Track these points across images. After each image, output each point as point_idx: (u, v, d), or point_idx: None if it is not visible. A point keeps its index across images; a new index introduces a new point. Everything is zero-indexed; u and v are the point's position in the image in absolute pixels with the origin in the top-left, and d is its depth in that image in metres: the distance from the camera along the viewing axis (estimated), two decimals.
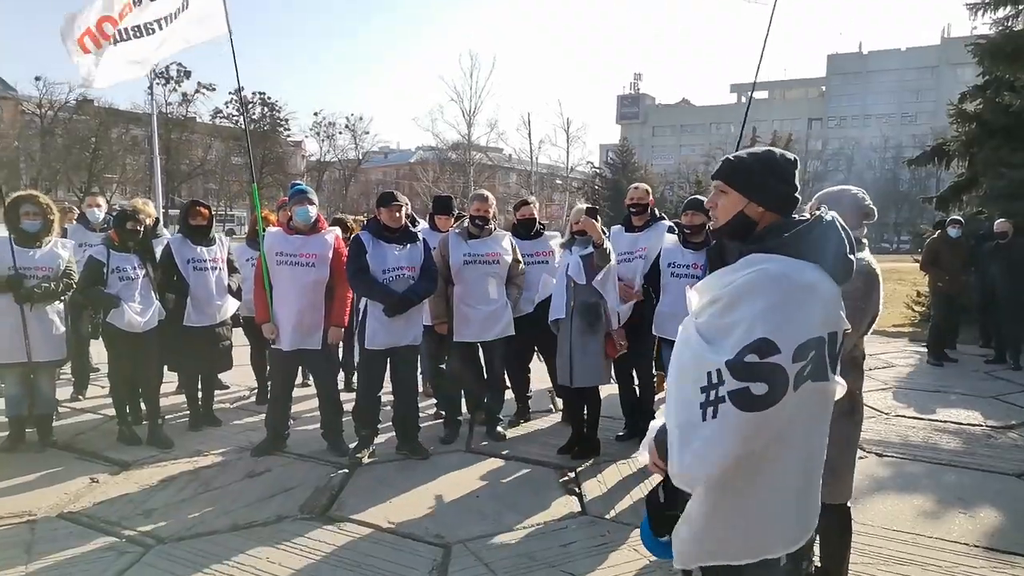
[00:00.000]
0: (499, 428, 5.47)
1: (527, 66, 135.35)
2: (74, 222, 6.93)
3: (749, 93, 5.59)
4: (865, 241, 2.90)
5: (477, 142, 45.34)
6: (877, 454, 5.24)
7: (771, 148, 1.95)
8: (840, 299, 1.81)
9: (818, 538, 2.47)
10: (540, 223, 5.94)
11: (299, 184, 5.20)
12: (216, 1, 5.29)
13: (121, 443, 5.15)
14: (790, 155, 1.93)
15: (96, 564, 3.42)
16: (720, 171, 1.96)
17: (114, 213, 5.61)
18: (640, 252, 5.30)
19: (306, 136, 60.15)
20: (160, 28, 5.19)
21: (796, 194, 1.91)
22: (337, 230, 5.24)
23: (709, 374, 1.68)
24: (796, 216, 1.91)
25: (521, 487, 4.57)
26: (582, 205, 5.06)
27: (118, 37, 5.09)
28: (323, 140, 59.26)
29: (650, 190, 5.63)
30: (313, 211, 4.96)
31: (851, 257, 1.82)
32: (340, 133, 59.21)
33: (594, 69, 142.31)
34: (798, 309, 1.67)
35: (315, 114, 74.96)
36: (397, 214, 4.87)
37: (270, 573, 3.38)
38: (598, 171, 54.82)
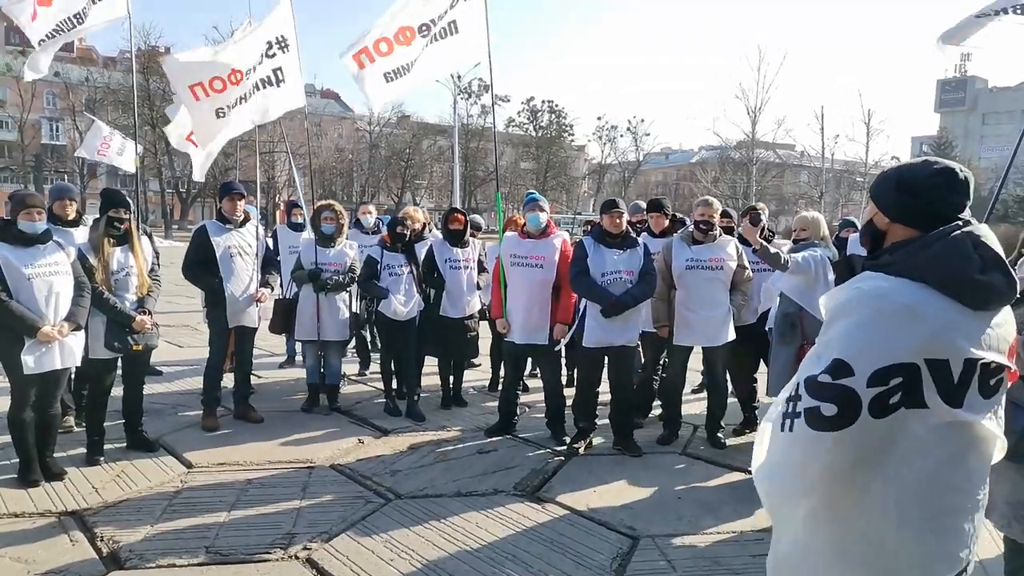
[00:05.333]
0: (719, 435, 5.45)
1: (823, 54, 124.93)
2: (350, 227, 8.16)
3: None
4: None
5: (763, 139, 43.19)
6: None
7: (930, 160, 1.80)
8: (969, 324, 1.63)
9: None
10: (770, 231, 5.75)
11: (532, 193, 5.70)
12: (480, 31, 5.99)
13: (385, 413, 6.11)
14: (953, 172, 1.75)
15: (348, 507, 4.21)
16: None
17: (387, 219, 6.63)
18: None
19: (588, 140, 62.39)
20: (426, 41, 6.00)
21: (936, 210, 1.75)
22: (565, 235, 5.64)
23: (796, 386, 1.70)
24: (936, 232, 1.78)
25: (727, 495, 4.56)
26: (808, 213, 4.86)
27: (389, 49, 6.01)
28: (604, 143, 60.98)
29: None
30: (543, 217, 5.43)
31: (980, 278, 1.63)
32: (621, 136, 60.46)
33: (907, 53, 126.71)
34: (886, 332, 1.59)
35: (598, 118, 77.11)
36: (618, 220, 5.13)
37: (477, 536, 3.87)
38: None
